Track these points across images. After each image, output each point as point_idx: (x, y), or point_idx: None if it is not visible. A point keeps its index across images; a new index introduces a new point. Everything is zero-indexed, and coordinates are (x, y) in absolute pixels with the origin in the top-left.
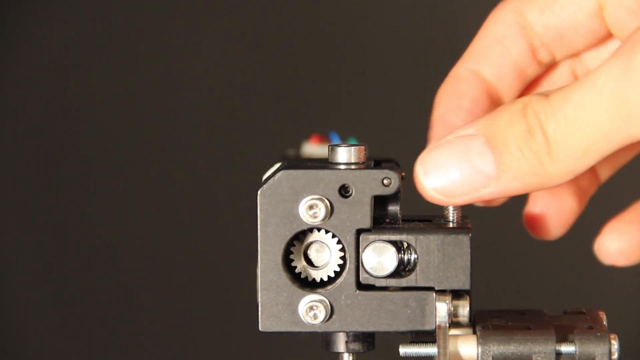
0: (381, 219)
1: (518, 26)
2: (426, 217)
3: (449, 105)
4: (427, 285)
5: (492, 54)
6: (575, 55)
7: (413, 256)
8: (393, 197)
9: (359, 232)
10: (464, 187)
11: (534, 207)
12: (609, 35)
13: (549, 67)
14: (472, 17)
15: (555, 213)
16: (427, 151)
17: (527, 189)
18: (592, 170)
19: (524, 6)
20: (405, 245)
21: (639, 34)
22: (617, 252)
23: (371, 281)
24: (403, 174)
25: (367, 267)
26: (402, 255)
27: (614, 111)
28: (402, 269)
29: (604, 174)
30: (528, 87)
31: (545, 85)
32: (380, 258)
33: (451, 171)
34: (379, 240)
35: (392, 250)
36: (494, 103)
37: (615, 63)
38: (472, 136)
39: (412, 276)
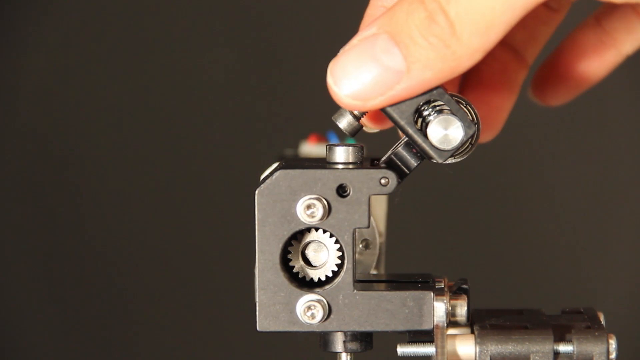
0: None
1: None
2: None
3: None
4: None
5: None
6: None
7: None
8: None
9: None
10: (377, 87)
11: None
12: None
13: None
14: None
15: (488, 110)
16: (334, 59)
17: (439, 76)
18: (516, 54)
19: None
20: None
21: None
22: (550, 94)
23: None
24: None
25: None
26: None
27: None
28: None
29: (530, 55)
30: None
31: None
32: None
33: (361, 74)
34: None
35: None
36: None
37: None
38: (376, 35)
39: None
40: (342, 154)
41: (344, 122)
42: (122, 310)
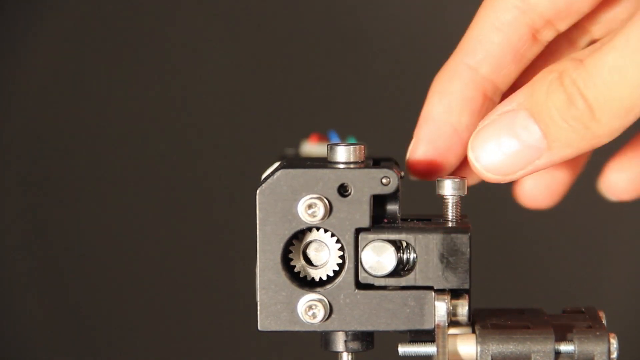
0: (380, 219)
1: (518, 10)
2: (425, 216)
3: (439, 105)
4: (427, 284)
5: (491, 45)
6: (576, 25)
7: (412, 255)
8: (392, 197)
9: (358, 231)
10: (518, 162)
11: (525, 181)
12: None
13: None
14: (472, 16)
15: (550, 180)
16: (474, 134)
17: (579, 153)
18: None
19: None
20: (405, 244)
21: None
22: (622, 187)
23: (370, 280)
24: (402, 173)
25: (366, 267)
26: (401, 255)
27: None
28: (402, 268)
29: None
30: (528, 68)
31: (545, 62)
32: (379, 257)
33: (501, 149)
34: (378, 239)
35: (391, 249)
36: (487, 99)
37: None
38: (515, 111)
39: (411, 275)
40: (343, 153)
41: None
42: (122, 310)
